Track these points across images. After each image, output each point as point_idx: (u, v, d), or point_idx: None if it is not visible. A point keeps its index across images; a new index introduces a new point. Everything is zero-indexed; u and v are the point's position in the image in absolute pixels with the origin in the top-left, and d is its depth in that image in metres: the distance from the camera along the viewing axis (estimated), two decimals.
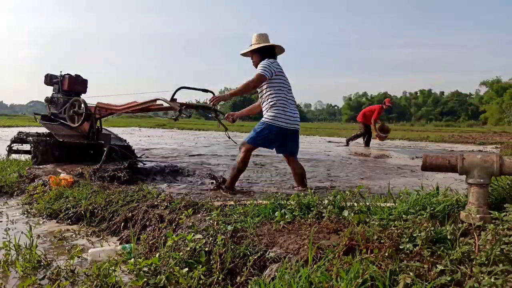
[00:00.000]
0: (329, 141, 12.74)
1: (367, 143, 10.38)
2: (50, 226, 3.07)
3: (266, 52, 3.66)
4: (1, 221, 3.13)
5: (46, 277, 2.06)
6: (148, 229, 2.62)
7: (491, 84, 56.82)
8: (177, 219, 2.53)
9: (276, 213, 2.31)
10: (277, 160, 6.12)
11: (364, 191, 2.71)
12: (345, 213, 2.19)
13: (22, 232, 2.53)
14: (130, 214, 2.87)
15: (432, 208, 2.01)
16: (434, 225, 1.83)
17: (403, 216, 2.00)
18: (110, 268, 1.94)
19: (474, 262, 1.51)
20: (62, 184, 3.70)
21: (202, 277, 1.85)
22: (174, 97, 4.07)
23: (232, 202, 2.72)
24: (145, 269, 1.90)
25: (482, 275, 1.42)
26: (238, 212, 2.43)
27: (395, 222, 1.91)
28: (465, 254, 1.56)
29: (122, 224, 2.86)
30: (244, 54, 3.79)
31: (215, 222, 2.25)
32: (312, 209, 2.34)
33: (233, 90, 3.65)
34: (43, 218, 3.26)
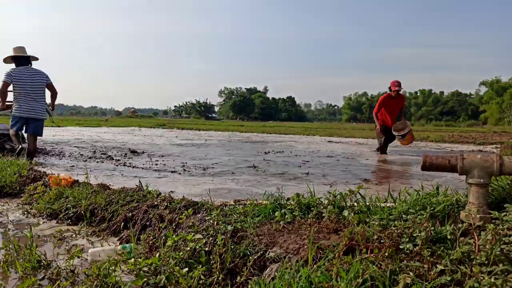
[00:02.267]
0: (329, 141, 12.74)
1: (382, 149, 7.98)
2: (50, 226, 3.06)
3: (20, 60, 5.52)
4: (1, 221, 3.13)
5: (46, 277, 2.06)
6: (148, 229, 2.62)
7: (491, 84, 56.93)
8: (177, 219, 2.53)
9: (276, 213, 2.31)
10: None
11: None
12: (345, 213, 2.19)
13: (22, 232, 2.53)
14: (130, 214, 2.87)
15: (432, 208, 2.01)
16: (434, 225, 1.83)
17: (403, 216, 2.00)
18: (110, 268, 1.93)
19: (474, 262, 1.51)
20: (62, 184, 3.70)
21: (202, 277, 1.85)
22: (11, 103, 5.86)
23: (232, 202, 2.72)
24: (145, 269, 1.90)
25: (482, 275, 1.42)
26: (238, 212, 2.43)
27: (395, 222, 1.91)
28: (465, 254, 1.56)
29: (122, 224, 2.86)
30: (6, 61, 5.59)
31: (215, 222, 2.25)
32: (312, 209, 2.34)
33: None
34: (43, 218, 3.25)
